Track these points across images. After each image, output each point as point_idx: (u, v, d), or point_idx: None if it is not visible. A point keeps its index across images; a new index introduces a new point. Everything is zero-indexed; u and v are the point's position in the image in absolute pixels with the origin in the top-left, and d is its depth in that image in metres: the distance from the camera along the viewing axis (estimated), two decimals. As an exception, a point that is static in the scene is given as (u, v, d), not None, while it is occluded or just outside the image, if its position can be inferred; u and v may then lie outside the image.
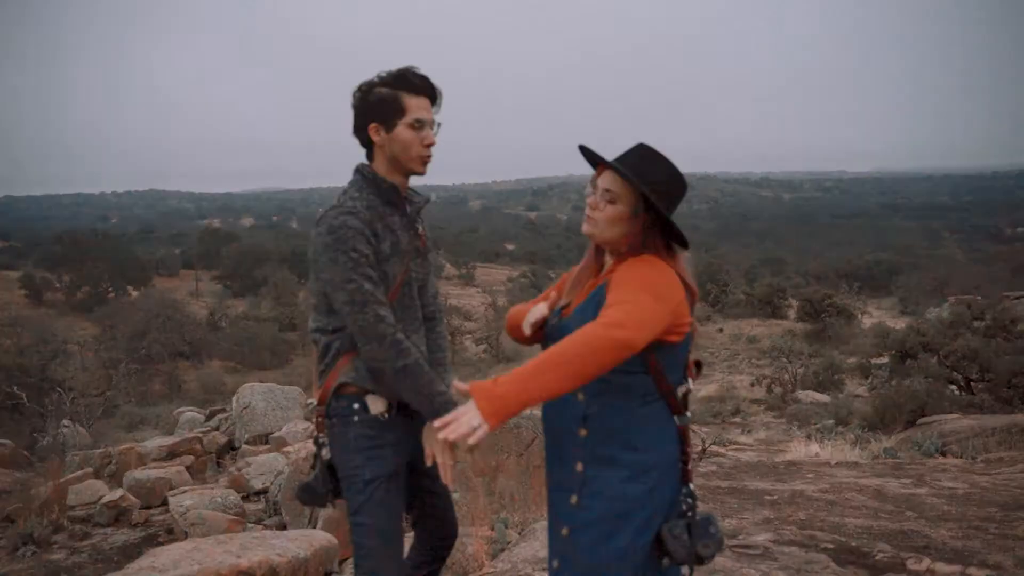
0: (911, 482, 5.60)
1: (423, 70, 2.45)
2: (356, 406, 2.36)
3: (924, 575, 3.79)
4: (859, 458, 7.38)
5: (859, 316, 35.28)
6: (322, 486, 2.44)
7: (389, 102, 2.37)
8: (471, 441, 1.77)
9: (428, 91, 2.43)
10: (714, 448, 9.30)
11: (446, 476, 2.22)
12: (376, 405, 2.36)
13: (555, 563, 2.12)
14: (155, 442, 8.60)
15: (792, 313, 38.27)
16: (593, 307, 2.05)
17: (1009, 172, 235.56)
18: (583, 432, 2.07)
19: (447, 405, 2.21)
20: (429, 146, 2.42)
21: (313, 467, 2.48)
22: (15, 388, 18.21)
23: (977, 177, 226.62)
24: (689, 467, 2.12)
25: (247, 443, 8.94)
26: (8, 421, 19.28)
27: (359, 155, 2.48)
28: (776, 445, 10.17)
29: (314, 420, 2.58)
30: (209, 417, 11.00)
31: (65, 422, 11.54)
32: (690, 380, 2.16)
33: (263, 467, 7.78)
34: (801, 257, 67.35)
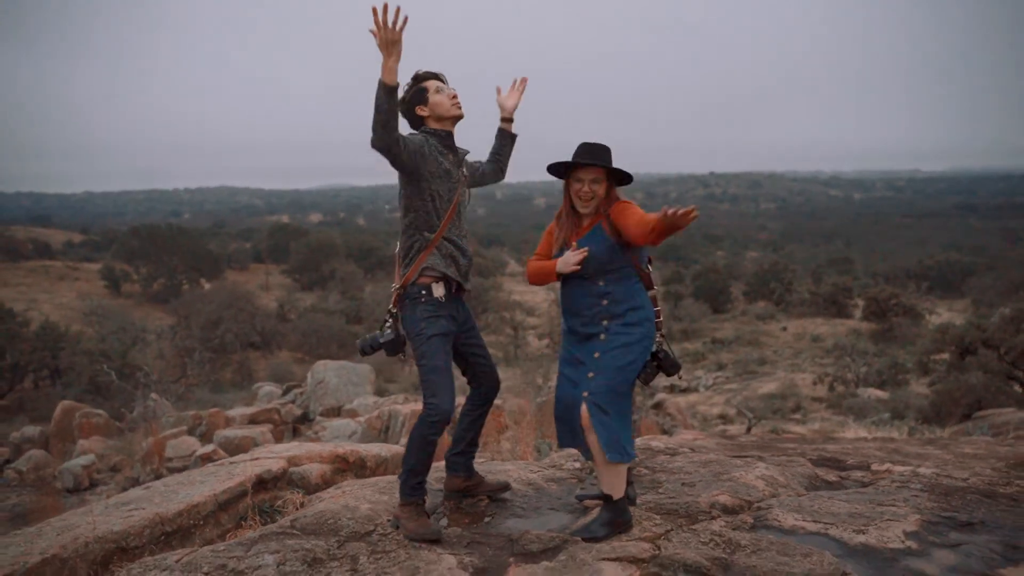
0: (932, 447, 5.64)
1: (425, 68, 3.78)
2: (423, 292, 3.58)
3: (883, 473, 4.61)
4: (898, 435, 7.44)
5: (927, 316, 34.48)
6: (398, 339, 3.61)
7: (416, 89, 3.70)
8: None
9: (434, 77, 3.73)
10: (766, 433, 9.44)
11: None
12: (437, 290, 3.61)
13: (589, 375, 3.50)
14: (238, 410, 9.31)
15: (858, 313, 37.63)
16: (599, 239, 3.58)
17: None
18: (605, 302, 3.58)
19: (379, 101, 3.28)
20: (454, 97, 3.70)
21: (388, 328, 3.64)
22: (105, 367, 19.18)
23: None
24: (660, 320, 3.72)
25: (321, 415, 9.50)
26: (96, 398, 20.36)
27: None
28: (827, 433, 10.24)
29: (393, 298, 3.67)
30: (286, 392, 11.65)
31: (153, 395, 12.33)
32: (650, 266, 3.74)
33: (337, 431, 8.38)
34: (870, 257, 65.89)
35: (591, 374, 3.48)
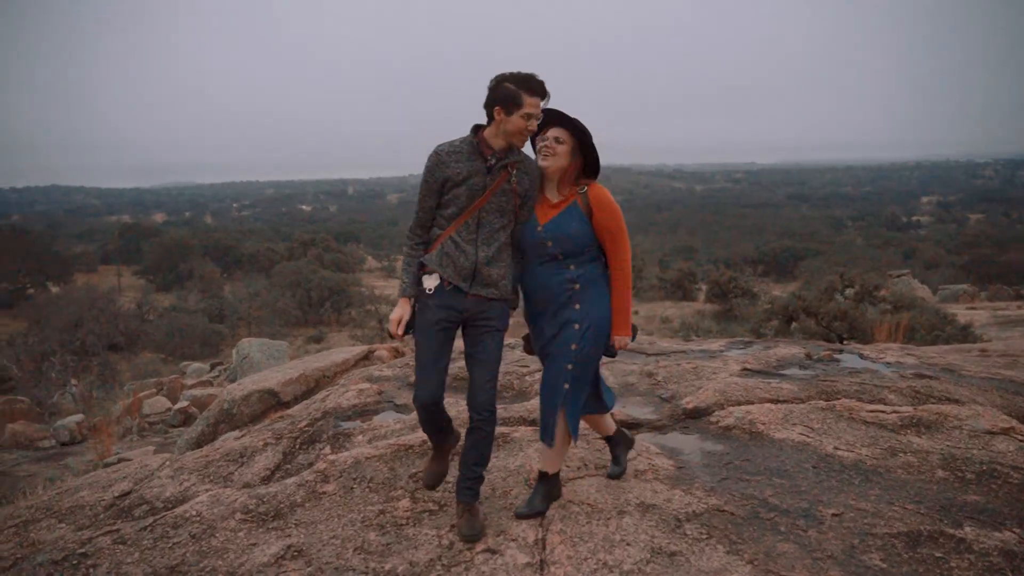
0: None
1: (541, 76, 3.49)
2: (420, 284, 3.66)
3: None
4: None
5: (762, 297, 37.78)
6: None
7: (512, 96, 3.45)
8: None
9: (542, 93, 3.50)
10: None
11: None
12: (427, 282, 3.65)
13: (568, 366, 3.69)
14: (189, 379, 10.23)
15: (702, 296, 40.64)
16: (576, 217, 3.69)
17: (905, 164, 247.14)
18: (576, 286, 3.71)
19: (403, 289, 3.66)
20: (531, 131, 3.54)
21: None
22: (4, 360, 18.81)
23: (876, 168, 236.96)
24: None
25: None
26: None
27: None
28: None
29: None
30: (211, 368, 12.39)
31: (73, 381, 12.69)
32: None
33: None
34: (712, 245, 70.24)
35: (570, 365, 3.68)
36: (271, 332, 29.61)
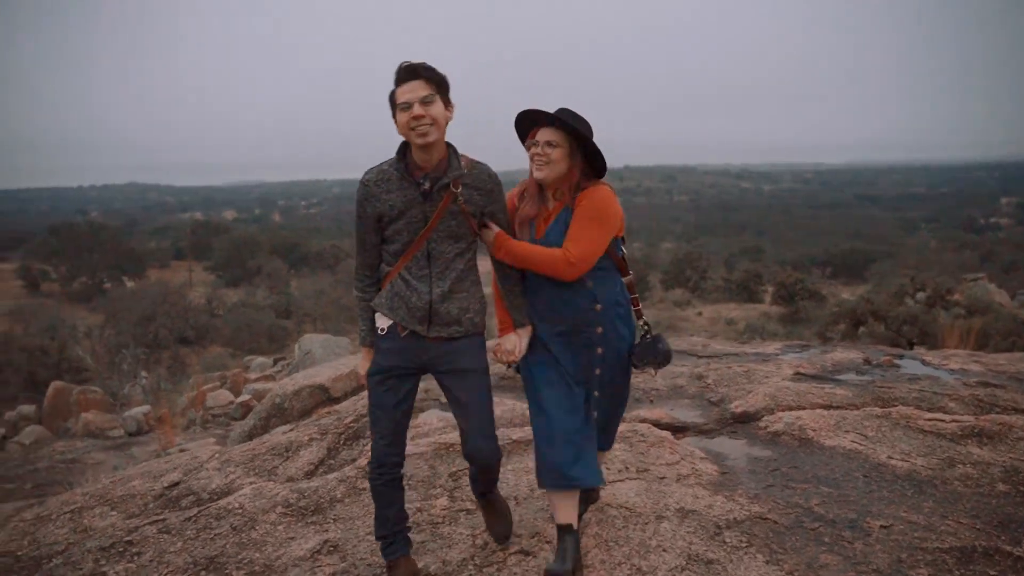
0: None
1: (414, 59, 2.93)
2: (373, 328, 3.24)
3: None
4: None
5: (830, 300, 36.95)
6: None
7: (391, 98, 2.97)
8: None
9: (408, 75, 2.91)
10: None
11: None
12: (379, 322, 3.20)
13: (596, 393, 3.31)
14: (253, 373, 10.53)
15: (767, 297, 39.91)
16: (560, 224, 3.17)
17: (984, 164, 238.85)
18: (599, 307, 3.23)
19: (361, 338, 3.28)
20: (417, 119, 2.87)
21: None
22: (80, 351, 19.54)
23: (951, 169, 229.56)
24: (639, 307, 3.42)
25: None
26: (35, 394, 20.67)
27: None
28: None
29: None
30: (274, 363, 12.73)
31: (144, 373, 13.17)
32: (623, 248, 3.34)
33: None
34: (779, 246, 69.06)
35: (597, 392, 3.32)
36: (335, 328, 30.07)
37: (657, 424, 5.22)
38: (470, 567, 3.44)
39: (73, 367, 23.23)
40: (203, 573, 3.53)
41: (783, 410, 5.38)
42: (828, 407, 5.43)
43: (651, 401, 5.95)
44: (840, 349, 7.68)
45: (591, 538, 3.57)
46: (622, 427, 5.06)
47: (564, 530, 3.29)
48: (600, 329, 3.25)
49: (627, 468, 4.41)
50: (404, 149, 3.07)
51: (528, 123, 3.23)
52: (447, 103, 2.97)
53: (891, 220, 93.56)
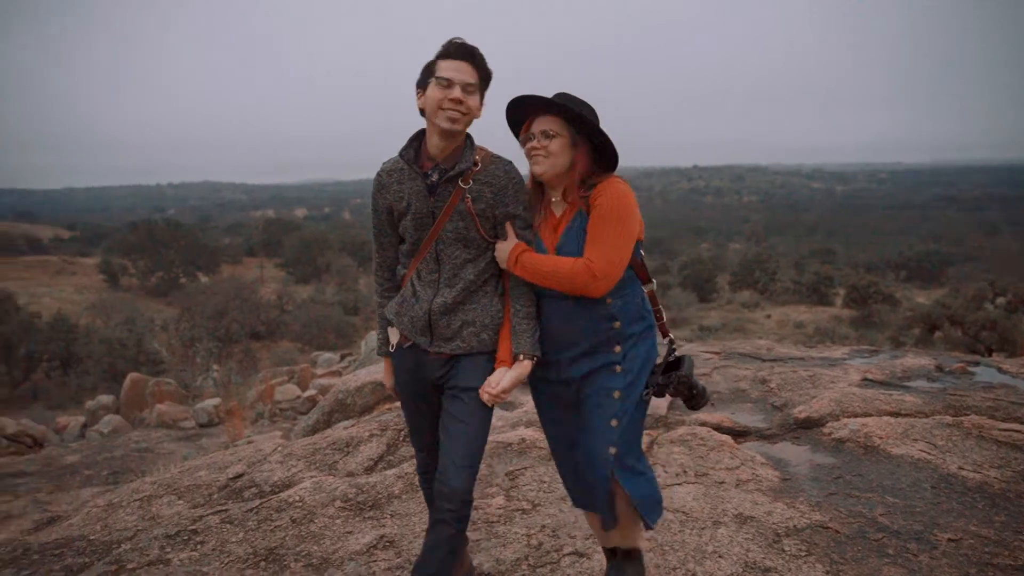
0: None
1: (468, 39, 2.63)
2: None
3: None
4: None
5: (904, 304, 35.94)
6: None
7: (427, 67, 2.64)
8: None
9: (462, 55, 2.60)
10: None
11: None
12: (391, 336, 2.94)
13: (613, 422, 2.70)
14: (320, 368, 10.79)
15: (839, 300, 39.03)
16: (576, 231, 2.68)
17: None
18: (617, 324, 2.72)
19: (379, 348, 3.02)
20: (455, 101, 2.56)
21: None
22: (155, 344, 20.25)
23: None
24: (663, 321, 2.89)
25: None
26: (113, 384, 21.44)
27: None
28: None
29: None
30: (341, 359, 13.03)
31: (215, 366, 13.61)
32: (642, 252, 2.81)
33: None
34: (851, 248, 67.44)
35: (615, 421, 2.70)
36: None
37: (717, 428, 5.15)
38: (524, 567, 3.45)
39: (149, 359, 24.04)
40: (262, 564, 3.61)
41: (848, 416, 5.25)
42: (896, 414, 5.28)
43: (712, 404, 5.87)
44: (911, 355, 7.46)
45: (646, 541, 3.53)
46: (681, 430, 5.01)
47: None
48: (619, 348, 2.74)
49: (685, 472, 4.37)
50: (418, 137, 2.77)
51: (521, 113, 2.78)
52: (482, 99, 2.70)
53: (970, 222, 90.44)
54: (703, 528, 3.66)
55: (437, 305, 2.72)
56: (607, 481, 2.71)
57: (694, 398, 2.81)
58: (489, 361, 2.79)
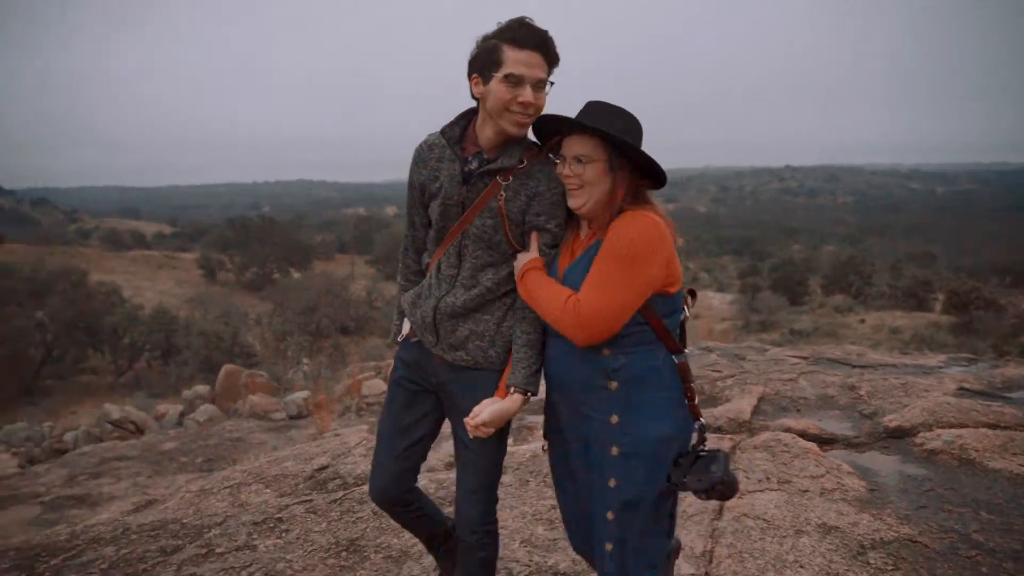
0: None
1: (539, 23, 2.22)
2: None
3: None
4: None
5: (1010, 310, 34.26)
6: None
7: (489, 52, 2.24)
8: None
9: (534, 44, 2.21)
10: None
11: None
12: (404, 327, 2.66)
13: (609, 515, 2.24)
14: None
15: (938, 306, 37.52)
16: (586, 262, 2.24)
17: None
18: (613, 385, 2.21)
19: (392, 335, 2.70)
20: (525, 105, 2.23)
21: None
22: (249, 337, 20.98)
23: None
24: (696, 403, 2.30)
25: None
26: (209, 375, 22.29)
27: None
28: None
29: None
30: None
31: (306, 360, 14.05)
32: (686, 308, 2.33)
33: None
34: (952, 251, 64.77)
35: (611, 514, 2.24)
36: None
37: (803, 435, 5.03)
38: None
39: (243, 351, 24.87)
40: (343, 554, 3.70)
41: (942, 427, 5.05)
42: (994, 426, 5.05)
43: (798, 411, 5.74)
44: (1013, 364, 7.12)
45: (725, 548, 3.49)
46: (765, 435, 4.92)
47: None
48: (616, 419, 2.22)
49: (768, 478, 4.28)
50: (467, 115, 2.45)
51: (551, 133, 2.37)
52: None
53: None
54: (784, 536, 3.58)
55: (445, 305, 2.44)
56: (605, 555, 2.31)
57: (727, 495, 2.23)
58: (494, 379, 2.47)
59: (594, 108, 2.22)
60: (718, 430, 5.18)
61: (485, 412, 2.31)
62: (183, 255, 58.36)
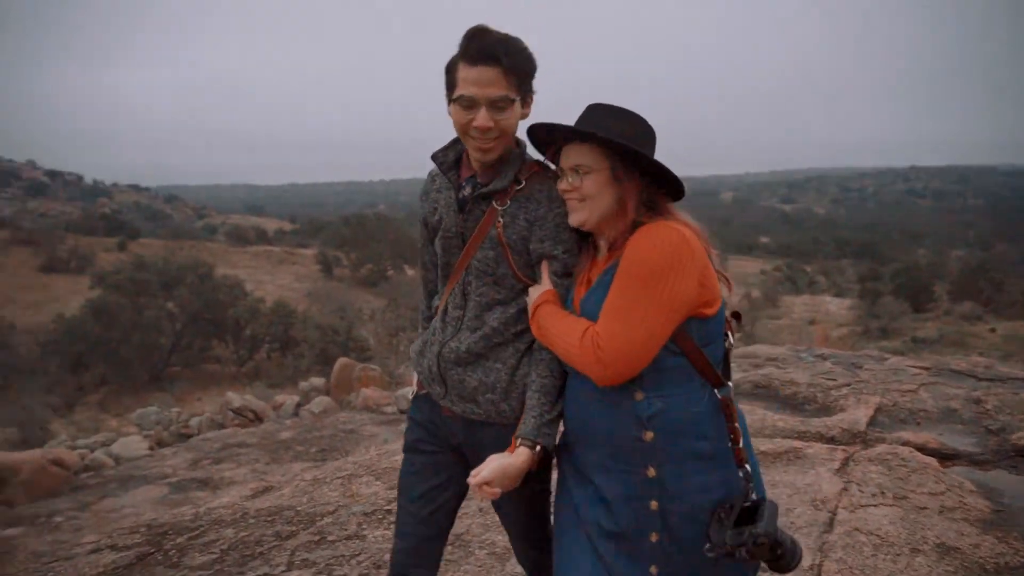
0: None
1: (493, 26, 1.93)
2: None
3: None
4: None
5: None
6: None
7: (448, 72, 2.01)
8: None
9: (485, 58, 1.91)
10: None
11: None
12: (415, 383, 2.34)
13: (652, 569, 1.86)
14: None
15: (1082, 315, 35.16)
16: (605, 287, 1.91)
17: None
18: (649, 436, 1.85)
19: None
20: (481, 129, 1.95)
21: None
22: (363, 332, 21.70)
23: None
24: (740, 446, 1.89)
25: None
26: (325, 367, 23.10)
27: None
28: None
29: None
30: None
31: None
32: (730, 335, 1.99)
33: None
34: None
35: (654, 568, 1.86)
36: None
37: (922, 449, 4.82)
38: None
39: (358, 346, 25.60)
40: (449, 548, 3.79)
41: (1078, 447, 4.76)
42: None
43: (917, 423, 5.50)
44: None
45: (834, 563, 3.39)
46: (880, 448, 4.75)
47: None
48: (653, 472, 1.85)
49: (883, 493, 4.14)
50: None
51: (547, 140, 2.11)
52: (527, 98, 2.03)
53: None
54: (898, 555, 3.46)
55: (449, 350, 2.13)
56: None
57: (780, 559, 1.75)
58: (509, 434, 2.10)
59: (594, 112, 1.98)
60: (831, 440, 5.03)
61: (486, 470, 1.92)
62: (302, 251, 60.62)
